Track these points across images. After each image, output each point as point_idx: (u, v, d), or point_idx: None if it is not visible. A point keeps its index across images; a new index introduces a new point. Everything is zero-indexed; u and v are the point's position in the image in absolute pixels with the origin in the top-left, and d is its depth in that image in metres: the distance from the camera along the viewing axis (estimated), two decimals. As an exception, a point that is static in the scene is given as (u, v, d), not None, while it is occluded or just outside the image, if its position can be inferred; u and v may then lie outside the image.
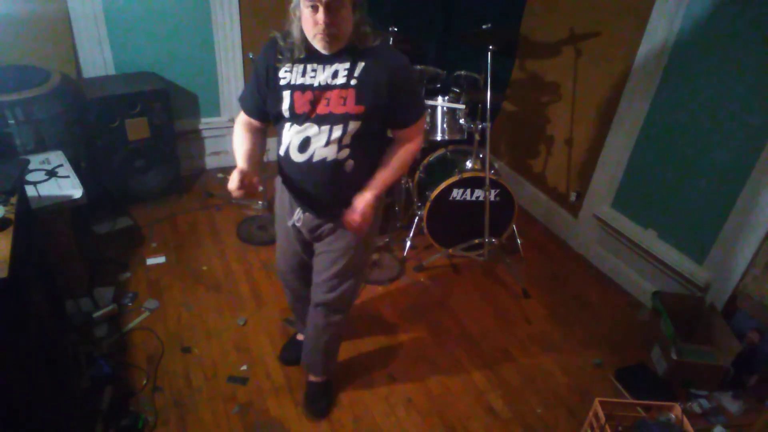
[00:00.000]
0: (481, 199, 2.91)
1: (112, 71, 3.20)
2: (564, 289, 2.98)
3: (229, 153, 3.82)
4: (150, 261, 2.83)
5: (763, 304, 2.32)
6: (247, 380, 2.21)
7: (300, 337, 2.29)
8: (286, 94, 1.56)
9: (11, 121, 2.57)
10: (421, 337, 2.54)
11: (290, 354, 2.29)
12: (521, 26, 3.51)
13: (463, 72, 3.07)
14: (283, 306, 2.62)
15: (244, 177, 1.53)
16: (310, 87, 1.54)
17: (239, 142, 1.71)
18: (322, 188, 1.65)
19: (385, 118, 1.60)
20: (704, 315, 2.50)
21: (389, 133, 1.71)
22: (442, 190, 2.87)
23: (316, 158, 1.58)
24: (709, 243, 2.52)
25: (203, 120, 3.65)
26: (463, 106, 2.93)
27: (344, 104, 1.53)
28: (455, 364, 2.40)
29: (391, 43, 2.91)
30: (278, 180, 1.80)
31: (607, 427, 1.84)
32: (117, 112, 2.96)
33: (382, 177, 1.66)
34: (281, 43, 1.54)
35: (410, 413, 2.15)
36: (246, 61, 3.45)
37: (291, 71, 1.55)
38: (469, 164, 2.99)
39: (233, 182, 1.52)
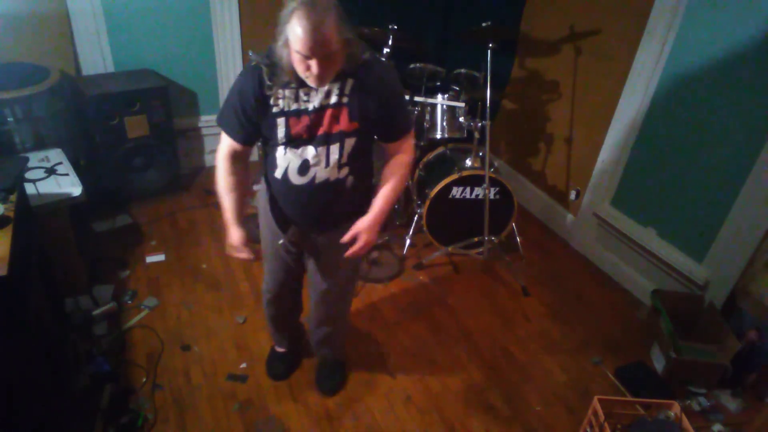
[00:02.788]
0: (480, 197, 2.91)
1: (111, 69, 3.20)
2: (563, 287, 2.98)
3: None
4: (149, 259, 2.83)
5: (763, 303, 2.32)
6: (247, 378, 2.22)
7: (279, 349, 2.27)
8: (281, 122, 1.52)
9: (10, 119, 2.57)
10: (421, 335, 2.54)
11: (279, 368, 2.24)
12: (521, 24, 3.51)
13: (462, 70, 3.06)
14: (283, 304, 2.62)
15: (243, 243, 1.68)
16: (305, 111, 1.50)
17: (227, 188, 1.65)
18: (324, 207, 1.67)
19: (377, 132, 1.61)
20: (703, 313, 2.51)
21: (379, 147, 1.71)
22: (442, 188, 2.87)
23: (318, 180, 1.58)
24: (709, 241, 2.53)
25: (203, 117, 3.64)
26: (462, 104, 2.93)
27: (338, 122, 1.52)
28: (454, 362, 2.40)
29: (390, 41, 2.90)
30: (262, 200, 1.77)
31: (606, 425, 1.84)
32: (116, 109, 2.96)
33: (383, 199, 1.65)
34: (265, 68, 1.47)
35: (409, 411, 2.15)
36: (245, 58, 3.45)
37: (283, 97, 1.50)
38: (468, 162, 2.99)
39: (236, 248, 1.70)
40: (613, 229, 3.00)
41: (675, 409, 1.93)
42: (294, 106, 1.51)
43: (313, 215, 1.69)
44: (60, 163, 2.49)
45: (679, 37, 2.51)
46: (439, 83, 3.15)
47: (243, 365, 2.27)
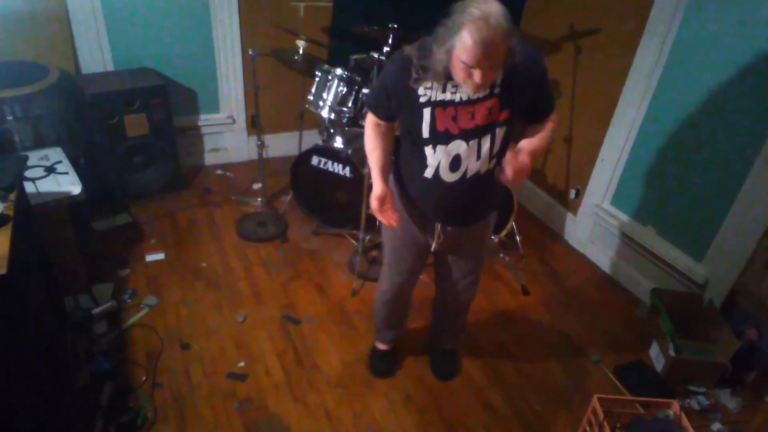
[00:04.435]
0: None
1: (110, 67, 3.20)
2: (563, 286, 2.98)
3: (228, 150, 3.82)
4: (149, 257, 2.83)
5: (762, 302, 2.33)
6: (246, 377, 2.22)
7: (382, 346, 2.32)
8: (427, 112, 1.53)
9: (9, 118, 2.57)
10: (421, 333, 2.53)
11: (383, 365, 2.31)
12: (521, 23, 3.51)
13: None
14: (282, 303, 2.62)
15: (385, 200, 1.65)
16: (452, 103, 1.51)
17: (371, 146, 1.71)
18: (475, 200, 1.68)
19: (525, 116, 1.60)
20: (703, 312, 2.51)
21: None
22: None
23: (470, 174, 1.59)
24: (708, 240, 2.53)
25: (202, 116, 3.64)
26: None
27: (490, 114, 1.51)
28: (454, 361, 2.40)
29: (390, 40, 2.90)
30: (398, 203, 1.79)
31: (605, 424, 1.84)
32: (116, 108, 2.96)
33: (534, 143, 1.61)
34: (417, 62, 1.48)
35: (409, 409, 2.16)
36: (245, 57, 3.44)
37: (431, 88, 1.51)
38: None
39: (378, 206, 1.65)
40: (613, 228, 3.00)
41: (674, 408, 1.94)
42: (441, 97, 1.51)
43: (461, 210, 1.71)
44: (59, 161, 2.49)
45: (678, 36, 2.51)
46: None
47: (242, 364, 2.27)
